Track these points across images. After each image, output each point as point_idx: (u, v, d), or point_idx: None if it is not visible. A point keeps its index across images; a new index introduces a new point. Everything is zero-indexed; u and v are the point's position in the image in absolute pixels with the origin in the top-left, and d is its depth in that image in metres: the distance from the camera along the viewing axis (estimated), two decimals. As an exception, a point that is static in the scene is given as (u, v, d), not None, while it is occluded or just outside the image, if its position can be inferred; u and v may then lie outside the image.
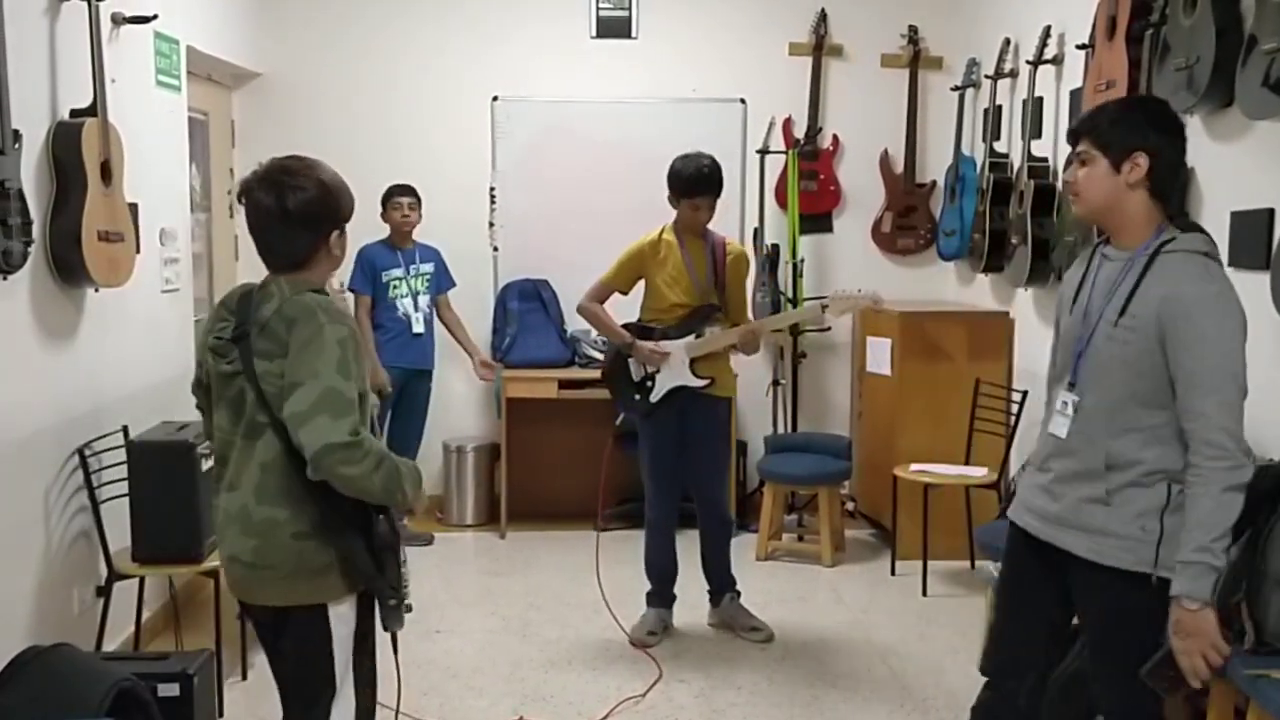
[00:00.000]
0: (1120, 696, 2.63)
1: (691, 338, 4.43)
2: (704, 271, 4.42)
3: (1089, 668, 2.71)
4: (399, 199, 5.76)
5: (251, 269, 6.57)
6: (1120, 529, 2.52)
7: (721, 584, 4.66)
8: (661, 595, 4.64)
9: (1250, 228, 3.60)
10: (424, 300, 5.87)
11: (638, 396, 4.51)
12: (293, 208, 2.47)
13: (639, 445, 4.60)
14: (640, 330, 4.50)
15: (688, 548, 4.67)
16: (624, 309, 4.63)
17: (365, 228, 5.68)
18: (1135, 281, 2.50)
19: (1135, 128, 2.52)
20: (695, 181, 4.34)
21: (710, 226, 4.48)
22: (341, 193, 2.56)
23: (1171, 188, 2.57)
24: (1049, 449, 2.69)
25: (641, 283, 4.54)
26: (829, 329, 6.40)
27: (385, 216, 5.77)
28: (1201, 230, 2.60)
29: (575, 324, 6.23)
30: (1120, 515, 2.51)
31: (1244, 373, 2.43)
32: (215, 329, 2.57)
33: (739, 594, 4.67)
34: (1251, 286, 3.58)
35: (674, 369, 4.42)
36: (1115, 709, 2.67)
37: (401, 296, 5.78)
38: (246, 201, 2.51)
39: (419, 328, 5.85)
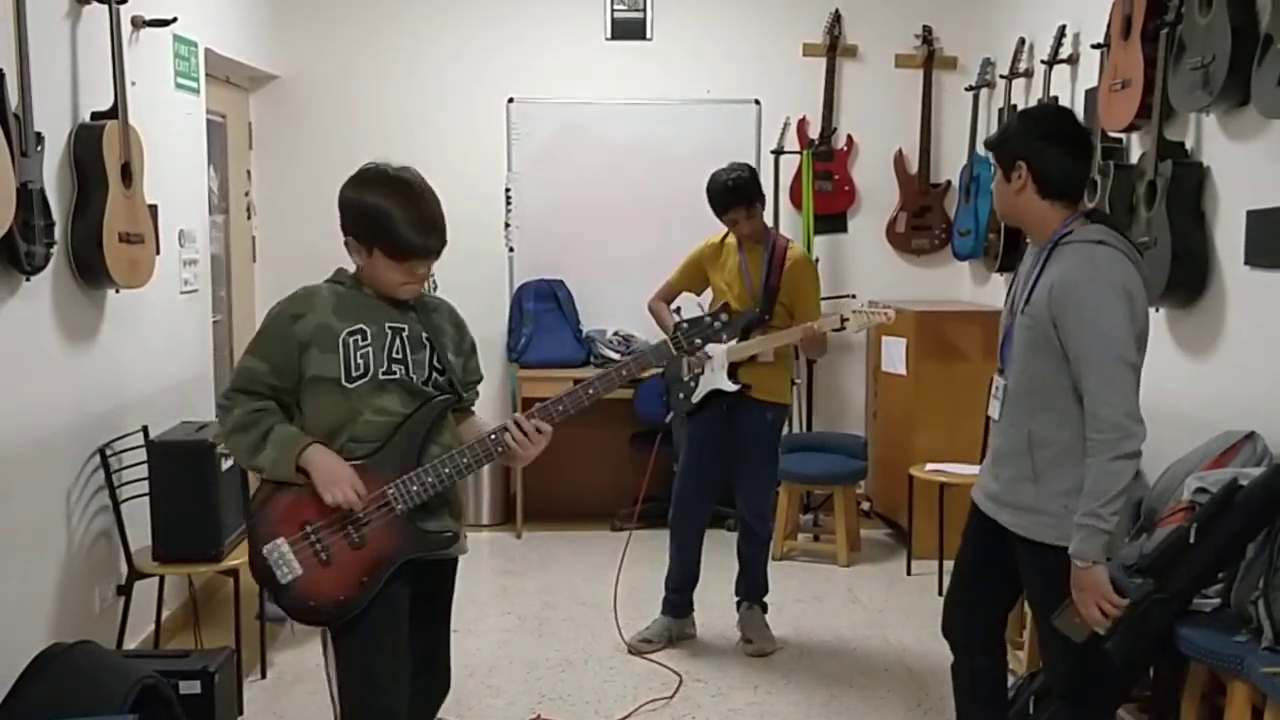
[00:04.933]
0: (1065, 657, 2.80)
1: (734, 342, 4.37)
2: (758, 278, 4.40)
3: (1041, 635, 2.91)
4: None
5: (268, 270, 6.65)
6: (1047, 506, 2.72)
7: (744, 591, 4.60)
8: (673, 604, 4.58)
9: (1266, 226, 3.59)
10: None
11: (682, 395, 4.53)
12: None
13: (676, 444, 4.59)
14: None
15: (718, 554, 4.62)
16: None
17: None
18: (1038, 273, 2.74)
19: (1016, 140, 2.77)
20: (722, 196, 4.35)
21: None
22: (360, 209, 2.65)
23: (1066, 188, 2.76)
24: (991, 431, 2.93)
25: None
26: (843, 329, 6.39)
27: None
28: (1107, 222, 2.79)
29: (590, 324, 6.27)
30: (1047, 492, 2.71)
31: (1128, 348, 2.60)
32: None
33: (760, 606, 4.58)
34: (1268, 286, 3.59)
35: (715, 372, 4.41)
36: (1061, 669, 2.84)
37: None
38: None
39: None
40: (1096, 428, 2.59)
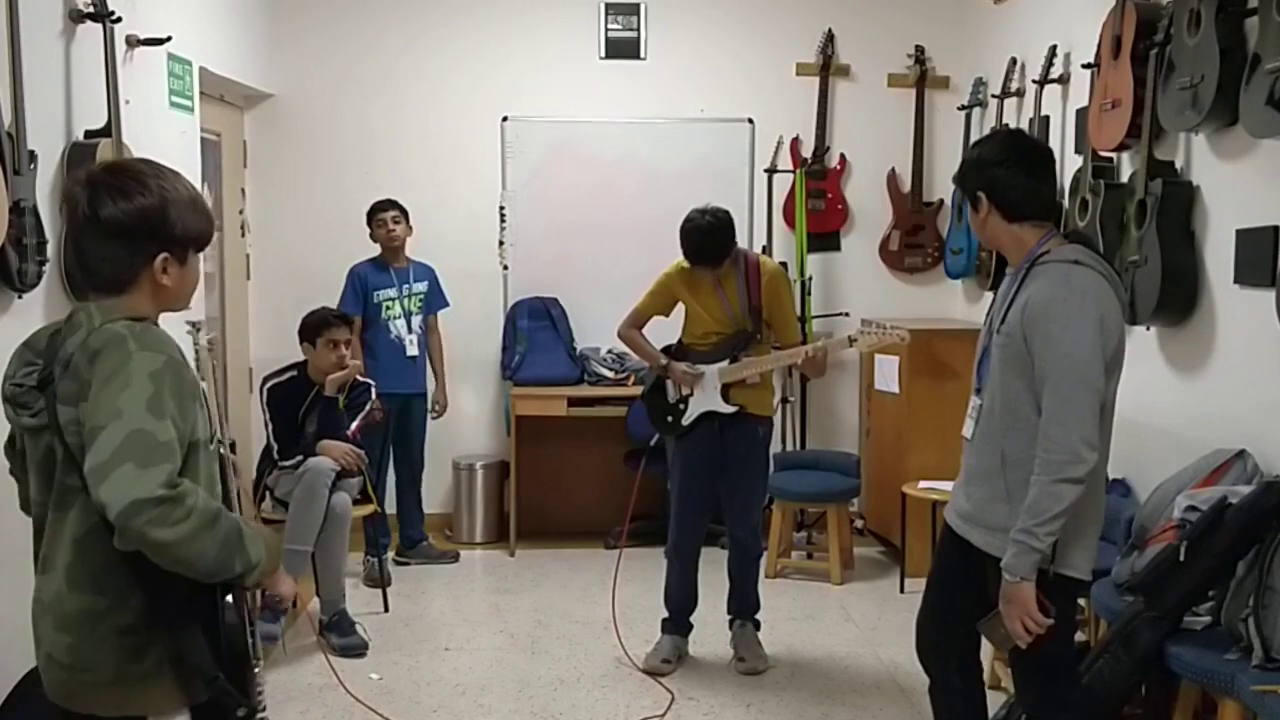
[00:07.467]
0: (1032, 684, 2.81)
1: (725, 363, 4.38)
2: (736, 299, 4.36)
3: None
4: (381, 214, 5.58)
5: (263, 288, 6.61)
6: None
7: (736, 608, 4.58)
8: (677, 623, 4.56)
9: (1255, 245, 3.61)
10: (417, 321, 5.71)
11: (670, 418, 4.48)
12: (106, 216, 2.00)
13: (669, 468, 4.53)
14: (680, 353, 4.48)
15: (708, 572, 4.63)
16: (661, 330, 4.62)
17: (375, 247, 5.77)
18: (1014, 292, 2.72)
19: (972, 173, 2.80)
20: (691, 254, 4.30)
21: None
22: (183, 211, 2.05)
23: (1032, 209, 2.75)
24: (964, 451, 2.89)
25: (683, 306, 4.49)
26: (851, 348, 6.41)
27: (372, 235, 5.60)
28: (1085, 242, 2.79)
29: (584, 342, 6.28)
30: (1018, 512, 2.62)
31: (1094, 372, 2.56)
32: (18, 374, 2.08)
33: (753, 623, 4.56)
34: (1257, 304, 3.61)
35: (706, 393, 4.37)
36: (1029, 698, 2.85)
37: (394, 318, 5.62)
38: (64, 203, 2.09)
39: (413, 350, 5.69)
40: (1047, 447, 2.56)
